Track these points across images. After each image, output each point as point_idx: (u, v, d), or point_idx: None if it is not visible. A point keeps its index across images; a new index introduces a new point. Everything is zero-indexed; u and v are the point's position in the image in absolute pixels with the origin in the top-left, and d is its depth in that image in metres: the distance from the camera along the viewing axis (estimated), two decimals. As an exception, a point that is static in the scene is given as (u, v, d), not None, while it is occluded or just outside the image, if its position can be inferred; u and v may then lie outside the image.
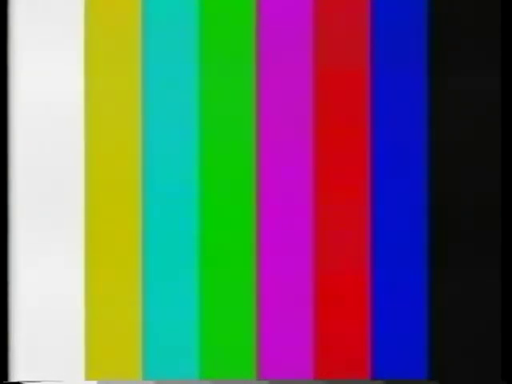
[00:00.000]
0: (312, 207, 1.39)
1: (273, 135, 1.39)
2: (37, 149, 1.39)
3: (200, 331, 1.38)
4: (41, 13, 1.40)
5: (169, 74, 1.40)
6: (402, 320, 1.38)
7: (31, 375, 1.38)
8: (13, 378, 1.38)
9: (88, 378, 1.38)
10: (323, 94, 1.40)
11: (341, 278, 1.39)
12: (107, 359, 1.39)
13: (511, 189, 1.38)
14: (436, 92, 1.39)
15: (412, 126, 1.39)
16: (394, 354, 1.38)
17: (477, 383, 1.37)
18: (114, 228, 1.39)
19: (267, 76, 1.40)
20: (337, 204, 1.39)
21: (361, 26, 1.40)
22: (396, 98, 1.39)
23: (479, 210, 1.38)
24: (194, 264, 1.39)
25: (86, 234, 1.39)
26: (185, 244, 1.39)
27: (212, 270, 1.39)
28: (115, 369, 1.39)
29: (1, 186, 1.39)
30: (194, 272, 1.39)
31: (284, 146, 1.39)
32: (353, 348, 1.39)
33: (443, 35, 1.39)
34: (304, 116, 1.39)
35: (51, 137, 1.39)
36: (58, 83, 1.39)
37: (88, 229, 1.39)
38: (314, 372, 1.39)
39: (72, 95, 1.39)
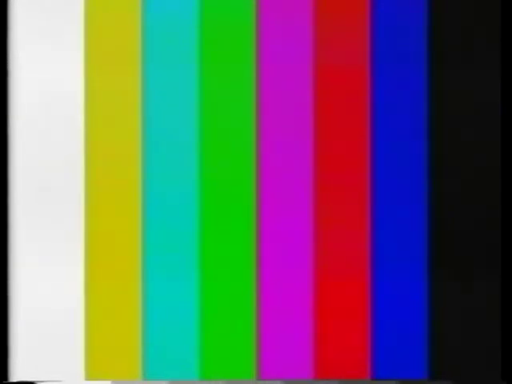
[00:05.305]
0: (312, 207, 1.39)
1: (273, 134, 1.39)
2: (37, 148, 1.39)
3: (200, 331, 1.38)
4: (41, 12, 1.39)
5: (169, 72, 1.40)
6: (402, 320, 1.38)
7: (31, 375, 1.38)
8: (13, 378, 1.38)
9: (88, 378, 1.38)
10: (323, 92, 1.39)
11: (341, 278, 1.39)
12: (107, 359, 1.39)
13: (511, 189, 1.38)
14: (436, 89, 1.39)
15: (412, 125, 1.39)
16: (394, 354, 1.38)
17: (477, 383, 1.37)
18: (115, 226, 1.39)
19: (267, 74, 1.40)
20: (337, 204, 1.39)
21: (361, 24, 1.40)
22: (396, 95, 1.39)
23: (479, 212, 1.38)
24: (194, 264, 1.39)
25: (86, 234, 1.39)
26: (185, 244, 1.39)
27: (212, 270, 1.39)
28: (115, 369, 1.39)
29: (1, 186, 1.39)
30: (194, 272, 1.39)
31: (284, 145, 1.39)
32: (353, 348, 1.39)
33: (443, 33, 1.39)
34: (304, 114, 1.39)
35: (51, 136, 1.39)
36: (58, 82, 1.39)
37: (88, 228, 1.39)
38: (314, 372, 1.39)
39: (72, 94, 1.39)
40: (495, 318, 1.37)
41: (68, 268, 1.38)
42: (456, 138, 1.39)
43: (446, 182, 1.38)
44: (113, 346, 1.38)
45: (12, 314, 1.38)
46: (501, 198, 1.38)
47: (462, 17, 1.39)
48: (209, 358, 1.39)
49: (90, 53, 1.40)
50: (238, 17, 1.40)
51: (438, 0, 1.39)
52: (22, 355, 1.38)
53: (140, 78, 1.40)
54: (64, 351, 1.38)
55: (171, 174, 1.39)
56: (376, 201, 1.39)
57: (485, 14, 1.39)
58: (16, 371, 1.38)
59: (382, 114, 1.39)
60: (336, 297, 1.38)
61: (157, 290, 1.38)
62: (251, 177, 1.39)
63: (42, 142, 1.39)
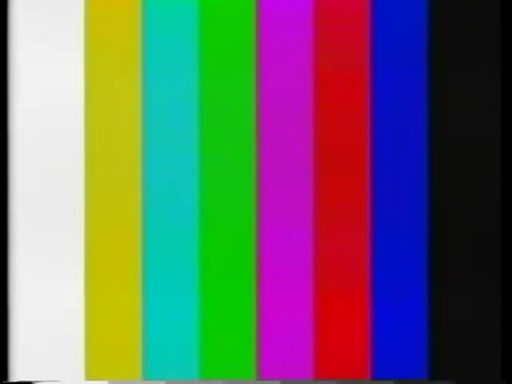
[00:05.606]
0: (312, 208, 1.39)
1: (273, 136, 1.39)
2: (37, 149, 1.39)
3: (200, 331, 1.38)
4: (41, 12, 1.39)
5: (169, 73, 1.40)
6: (402, 320, 1.38)
7: (31, 375, 1.38)
8: (13, 377, 1.38)
9: (88, 378, 1.38)
10: (323, 93, 1.39)
11: (341, 278, 1.39)
12: (107, 359, 1.39)
13: (511, 191, 1.38)
14: (436, 91, 1.39)
15: (412, 125, 1.39)
16: (394, 353, 1.38)
17: (477, 383, 1.37)
18: (115, 227, 1.39)
19: (267, 76, 1.40)
20: (337, 206, 1.39)
21: (361, 24, 1.40)
22: (396, 97, 1.39)
23: (479, 212, 1.38)
24: (194, 264, 1.39)
25: (87, 234, 1.39)
26: (185, 244, 1.39)
27: (212, 270, 1.39)
28: (115, 369, 1.39)
29: (1, 186, 1.39)
30: (194, 271, 1.39)
31: (284, 146, 1.39)
32: (353, 348, 1.39)
33: (443, 34, 1.39)
34: (304, 116, 1.39)
35: (51, 137, 1.39)
36: (58, 83, 1.39)
37: (88, 228, 1.39)
38: (314, 372, 1.39)
39: (72, 94, 1.39)
40: (495, 318, 1.37)
41: (68, 268, 1.38)
42: (456, 137, 1.39)
43: (446, 182, 1.38)
44: (113, 345, 1.38)
45: (12, 313, 1.38)
46: (501, 198, 1.38)
47: (462, 17, 1.39)
48: (209, 358, 1.39)
49: (90, 53, 1.40)
50: (237, 18, 1.40)
51: (438, 0, 1.39)
52: (22, 355, 1.38)
53: (140, 77, 1.40)
54: (64, 351, 1.38)
55: (172, 174, 1.39)
56: (376, 199, 1.39)
57: (485, 15, 1.39)
58: (16, 371, 1.38)
59: (381, 115, 1.39)
60: (336, 296, 1.38)
61: (157, 290, 1.38)
62: (251, 177, 1.39)
63: (42, 142, 1.39)
